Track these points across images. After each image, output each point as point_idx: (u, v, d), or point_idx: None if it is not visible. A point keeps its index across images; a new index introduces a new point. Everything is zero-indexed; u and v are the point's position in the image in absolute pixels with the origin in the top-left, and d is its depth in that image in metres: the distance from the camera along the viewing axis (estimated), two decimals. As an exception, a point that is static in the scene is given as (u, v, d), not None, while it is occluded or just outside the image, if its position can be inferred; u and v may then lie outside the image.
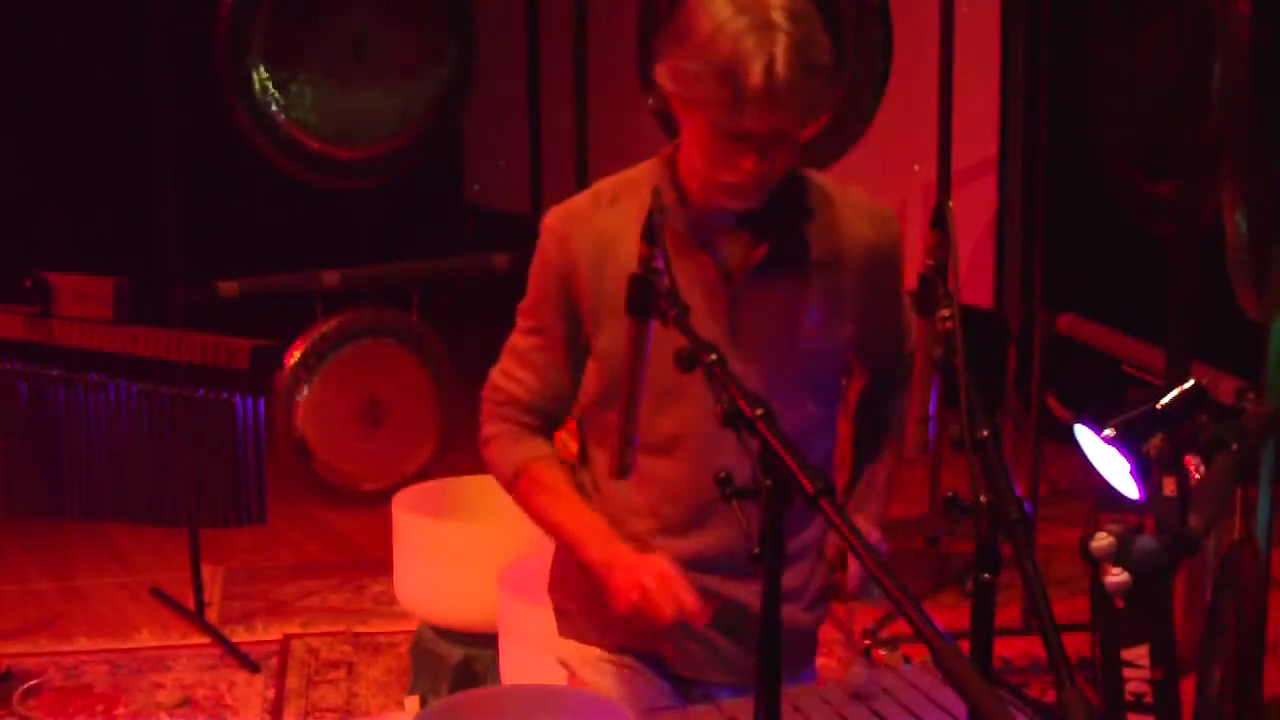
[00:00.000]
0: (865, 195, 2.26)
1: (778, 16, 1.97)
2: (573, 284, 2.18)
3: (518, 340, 2.27)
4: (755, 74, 1.95)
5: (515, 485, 2.26)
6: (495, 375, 2.30)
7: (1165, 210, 3.53)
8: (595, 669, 2.26)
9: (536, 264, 2.23)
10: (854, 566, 2.14)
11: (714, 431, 1.93)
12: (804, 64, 1.97)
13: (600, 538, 2.19)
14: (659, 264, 1.81)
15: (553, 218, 2.22)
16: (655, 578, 2.10)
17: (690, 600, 2.07)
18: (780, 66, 1.95)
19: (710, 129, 2.02)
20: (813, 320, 2.16)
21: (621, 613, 2.12)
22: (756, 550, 1.53)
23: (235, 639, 4.11)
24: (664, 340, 1.98)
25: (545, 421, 2.29)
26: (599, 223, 2.18)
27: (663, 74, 2.05)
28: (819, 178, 2.24)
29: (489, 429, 2.29)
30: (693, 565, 2.19)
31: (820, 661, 3.96)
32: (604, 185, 2.22)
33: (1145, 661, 1.87)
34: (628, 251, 2.09)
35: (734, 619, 2.21)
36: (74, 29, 6.66)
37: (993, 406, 4.54)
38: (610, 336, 2.16)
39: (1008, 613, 3.99)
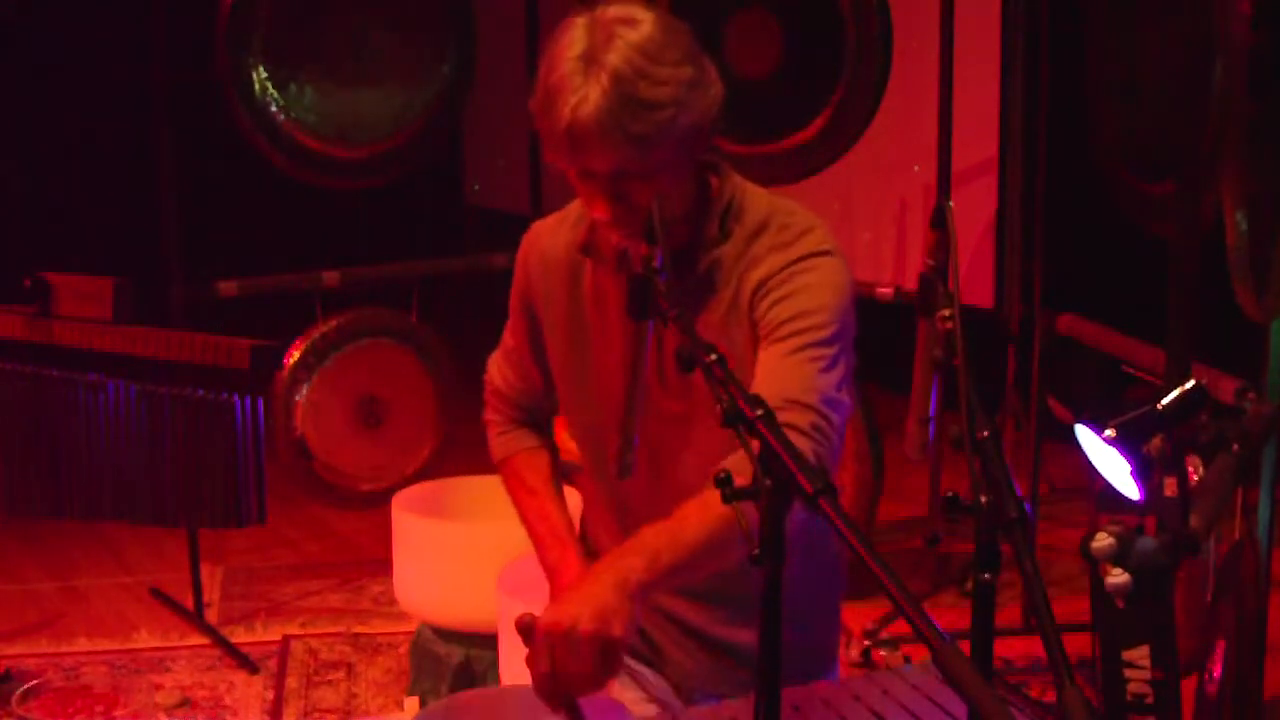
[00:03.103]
0: (798, 219, 2.07)
1: (610, 54, 1.89)
2: (531, 299, 2.23)
3: (505, 337, 2.35)
4: (561, 112, 1.89)
5: (501, 471, 2.37)
6: (490, 363, 2.39)
7: (1165, 210, 3.53)
8: None
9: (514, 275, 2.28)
10: None
11: (655, 461, 1.92)
12: (620, 102, 1.87)
13: (556, 542, 2.25)
14: (658, 263, 1.81)
15: (527, 234, 2.26)
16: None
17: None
18: (586, 109, 1.87)
19: None
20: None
21: None
22: (755, 551, 1.53)
23: (235, 639, 4.11)
24: (612, 362, 2.03)
25: (529, 415, 2.37)
26: (553, 242, 2.20)
27: None
28: (765, 203, 2.10)
29: (486, 412, 2.41)
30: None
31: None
32: (575, 205, 2.19)
33: (1145, 662, 1.87)
34: (566, 274, 2.15)
35: (692, 641, 2.23)
36: (74, 29, 6.66)
37: (993, 406, 4.55)
38: (553, 356, 2.21)
39: (1008, 613, 3.99)
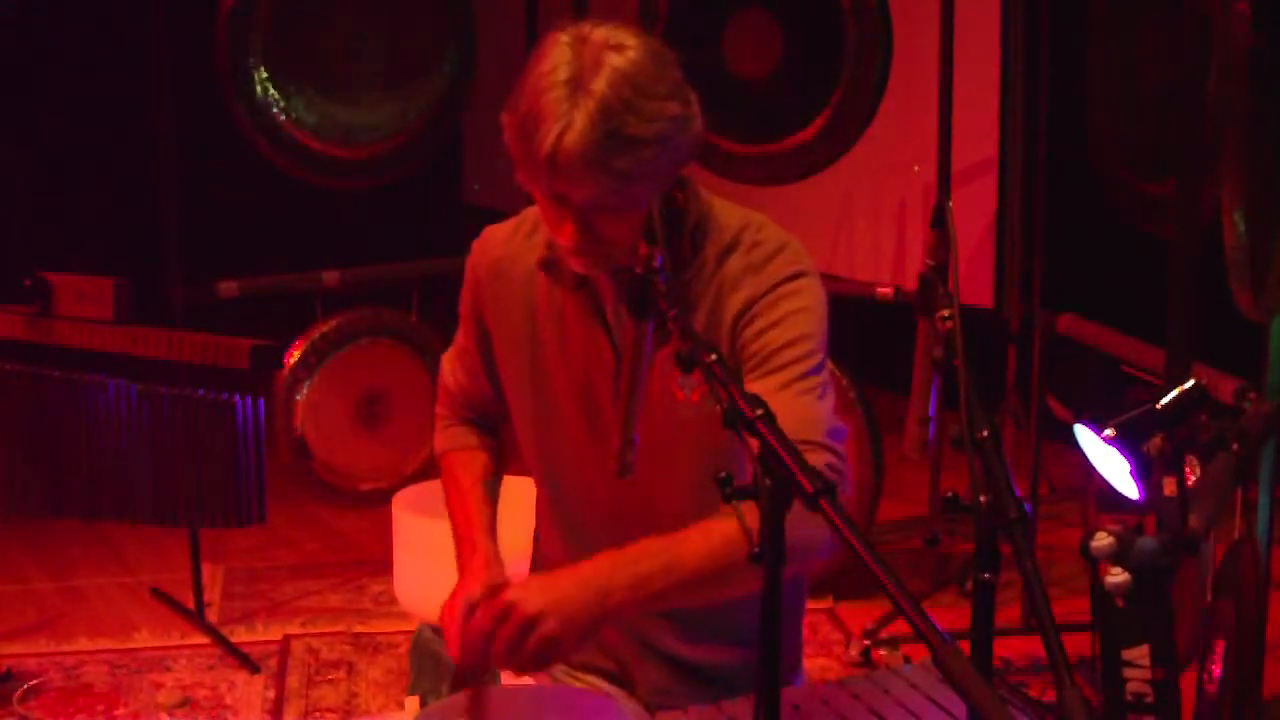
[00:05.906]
0: (769, 236, 2.05)
1: (598, 81, 1.83)
2: (480, 308, 2.21)
3: (458, 336, 2.32)
4: (545, 139, 1.82)
5: (440, 465, 2.36)
6: (444, 359, 2.37)
7: (1165, 210, 3.53)
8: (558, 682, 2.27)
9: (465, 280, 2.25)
10: None
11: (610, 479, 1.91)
12: (607, 136, 1.82)
13: (469, 547, 2.20)
14: (658, 263, 1.80)
15: (478, 239, 2.23)
16: (448, 613, 2.07)
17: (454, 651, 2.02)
18: (572, 137, 1.81)
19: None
20: (686, 388, 2.00)
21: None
22: (755, 550, 1.53)
23: (235, 639, 4.11)
24: (568, 380, 2.04)
25: (476, 415, 2.35)
26: (506, 252, 2.17)
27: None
28: (732, 219, 2.07)
29: (437, 406, 2.38)
30: None
31: (821, 661, 3.98)
32: (530, 213, 2.16)
33: (1145, 661, 1.87)
34: (521, 286, 2.13)
35: (656, 657, 2.22)
36: (74, 29, 6.65)
37: (993, 406, 4.55)
38: (505, 370, 2.19)
39: (1008, 613, 3.99)
